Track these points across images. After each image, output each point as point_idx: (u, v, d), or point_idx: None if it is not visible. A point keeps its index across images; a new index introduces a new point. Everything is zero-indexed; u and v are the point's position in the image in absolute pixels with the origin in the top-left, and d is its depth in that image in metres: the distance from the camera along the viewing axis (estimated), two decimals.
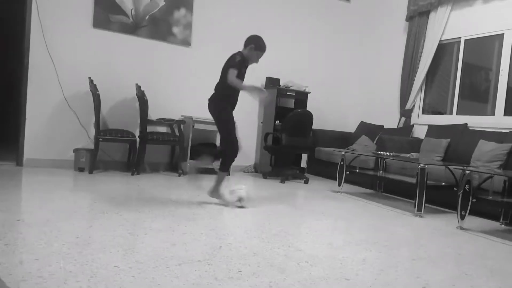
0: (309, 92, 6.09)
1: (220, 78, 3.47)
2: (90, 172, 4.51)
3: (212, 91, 3.47)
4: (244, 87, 3.32)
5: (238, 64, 3.34)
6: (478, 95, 5.29)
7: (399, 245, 2.71)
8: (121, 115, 5.03)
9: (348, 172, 4.72)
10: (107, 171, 4.79)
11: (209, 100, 3.51)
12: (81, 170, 4.61)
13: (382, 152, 4.68)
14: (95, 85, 4.47)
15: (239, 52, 3.48)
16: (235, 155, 3.49)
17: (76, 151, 4.66)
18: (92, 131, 4.79)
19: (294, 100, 6.24)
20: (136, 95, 4.86)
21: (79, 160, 4.62)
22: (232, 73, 3.26)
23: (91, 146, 4.67)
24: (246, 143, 6.10)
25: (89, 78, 4.57)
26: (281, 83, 5.99)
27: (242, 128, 5.90)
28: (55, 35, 4.62)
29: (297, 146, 5.46)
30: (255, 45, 3.45)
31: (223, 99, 3.46)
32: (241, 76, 3.41)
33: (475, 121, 4.99)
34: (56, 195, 3.28)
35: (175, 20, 5.31)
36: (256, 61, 3.54)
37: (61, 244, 2.10)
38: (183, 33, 5.38)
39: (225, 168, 3.48)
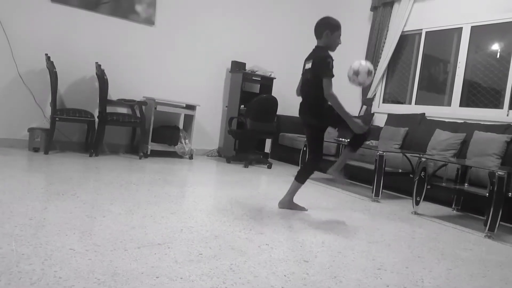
0: (275, 78, 6.09)
1: (311, 84, 3.03)
2: (46, 153, 4.34)
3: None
4: (347, 115, 2.84)
5: (331, 70, 2.97)
6: (436, 86, 5.47)
7: (356, 229, 2.79)
8: (79, 94, 4.85)
9: None
10: (64, 152, 4.62)
11: (304, 110, 3.07)
12: (36, 150, 4.42)
13: (343, 139, 4.76)
14: (52, 62, 4.26)
15: (323, 48, 3.05)
16: (314, 171, 3.25)
17: (30, 130, 4.46)
18: (48, 110, 4.59)
19: (259, 85, 6.24)
20: (96, 74, 4.69)
21: (34, 140, 4.42)
22: (330, 85, 2.93)
23: (47, 126, 4.48)
24: (210, 127, 6.07)
25: (46, 54, 4.36)
26: (247, 67, 5.95)
27: (206, 112, 5.90)
28: (9, 8, 4.35)
29: (261, 131, 5.46)
30: (330, 29, 3.09)
31: (323, 108, 2.99)
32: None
33: (433, 111, 5.17)
34: (8, 175, 3.13)
35: None
36: (339, 43, 3.16)
37: (13, 226, 2.01)
38: (146, 12, 5.21)
39: (303, 180, 3.17)
